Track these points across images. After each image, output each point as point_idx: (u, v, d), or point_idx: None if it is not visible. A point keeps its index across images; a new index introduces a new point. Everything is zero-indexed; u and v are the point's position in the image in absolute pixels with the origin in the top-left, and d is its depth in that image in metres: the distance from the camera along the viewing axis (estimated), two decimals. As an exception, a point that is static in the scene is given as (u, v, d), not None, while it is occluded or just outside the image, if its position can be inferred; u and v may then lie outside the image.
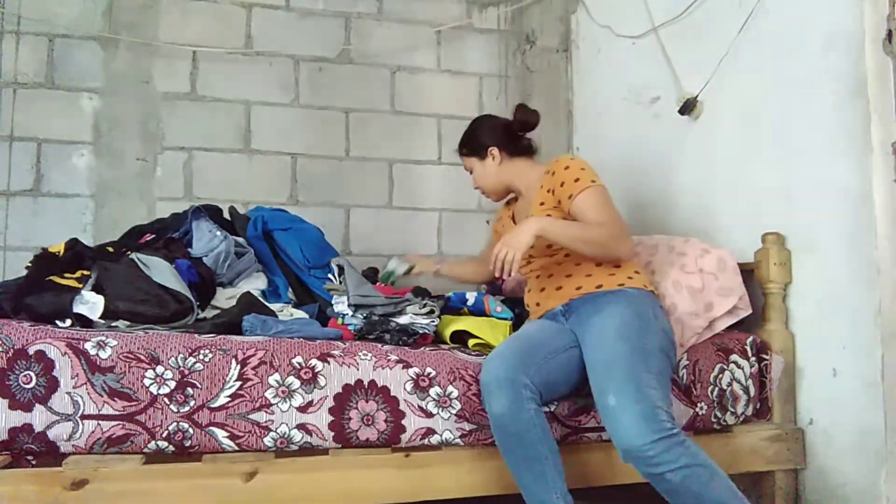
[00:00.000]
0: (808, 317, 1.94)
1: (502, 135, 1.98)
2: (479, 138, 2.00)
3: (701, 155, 2.26)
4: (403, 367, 1.65)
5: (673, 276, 1.94)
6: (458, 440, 1.65)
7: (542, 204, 1.84)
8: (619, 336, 1.61)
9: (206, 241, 2.13)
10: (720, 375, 1.87)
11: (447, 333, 1.91)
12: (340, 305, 1.91)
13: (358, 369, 1.62)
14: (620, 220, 1.75)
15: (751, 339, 1.95)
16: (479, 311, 2.07)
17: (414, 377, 1.65)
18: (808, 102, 1.92)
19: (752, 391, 1.91)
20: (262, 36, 2.88)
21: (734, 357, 1.91)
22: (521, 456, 1.56)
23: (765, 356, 1.94)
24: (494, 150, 1.97)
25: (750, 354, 1.93)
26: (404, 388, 1.63)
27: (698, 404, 1.82)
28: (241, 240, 2.24)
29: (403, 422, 1.62)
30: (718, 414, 1.86)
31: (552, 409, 1.70)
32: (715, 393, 1.85)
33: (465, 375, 1.67)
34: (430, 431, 1.64)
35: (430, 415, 1.64)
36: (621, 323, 1.63)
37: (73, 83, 2.68)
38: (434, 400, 1.64)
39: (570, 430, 1.72)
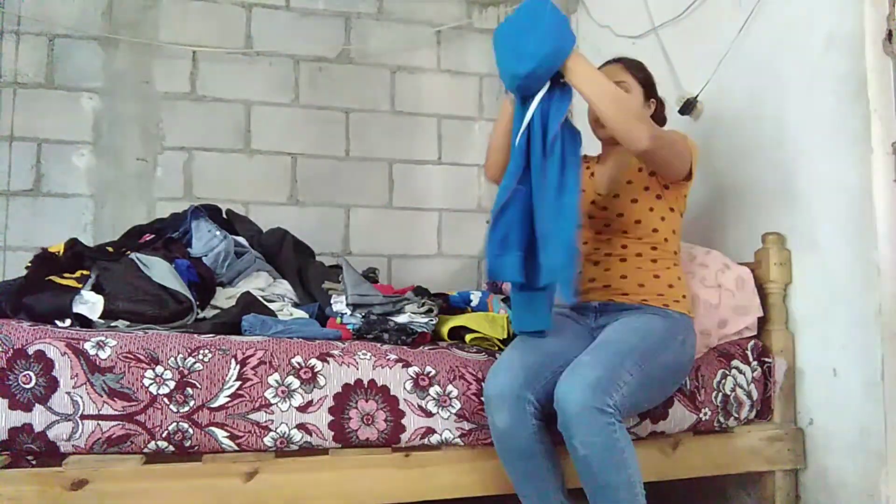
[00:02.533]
0: (808, 317, 1.94)
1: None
2: (652, 82, 1.93)
3: (701, 155, 2.26)
4: (403, 367, 1.65)
5: (692, 288, 1.91)
6: (457, 440, 1.65)
7: (639, 170, 1.81)
8: (635, 332, 1.62)
9: (206, 240, 2.12)
10: (723, 381, 1.86)
11: (445, 331, 1.90)
12: (339, 305, 1.90)
13: (357, 369, 1.62)
14: (667, 136, 1.65)
15: (751, 343, 1.95)
16: (483, 312, 2.05)
17: (413, 376, 1.65)
18: (808, 102, 1.92)
19: (755, 395, 1.91)
20: (262, 36, 2.88)
21: (735, 362, 1.90)
22: (523, 469, 1.56)
23: (766, 360, 1.94)
24: (653, 103, 1.91)
25: (751, 359, 1.93)
26: (404, 388, 1.63)
27: (702, 410, 1.82)
28: (240, 239, 2.24)
29: (403, 421, 1.62)
30: (722, 419, 1.86)
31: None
32: (719, 399, 1.85)
33: (465, 374, 1.67)
34: (430, 431, 1.63)
35: (429, 414, 1.63)
36: (647, 329, 1.63)
37: (73, 83, 2.68)
38: (434, 399, 1.64)
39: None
